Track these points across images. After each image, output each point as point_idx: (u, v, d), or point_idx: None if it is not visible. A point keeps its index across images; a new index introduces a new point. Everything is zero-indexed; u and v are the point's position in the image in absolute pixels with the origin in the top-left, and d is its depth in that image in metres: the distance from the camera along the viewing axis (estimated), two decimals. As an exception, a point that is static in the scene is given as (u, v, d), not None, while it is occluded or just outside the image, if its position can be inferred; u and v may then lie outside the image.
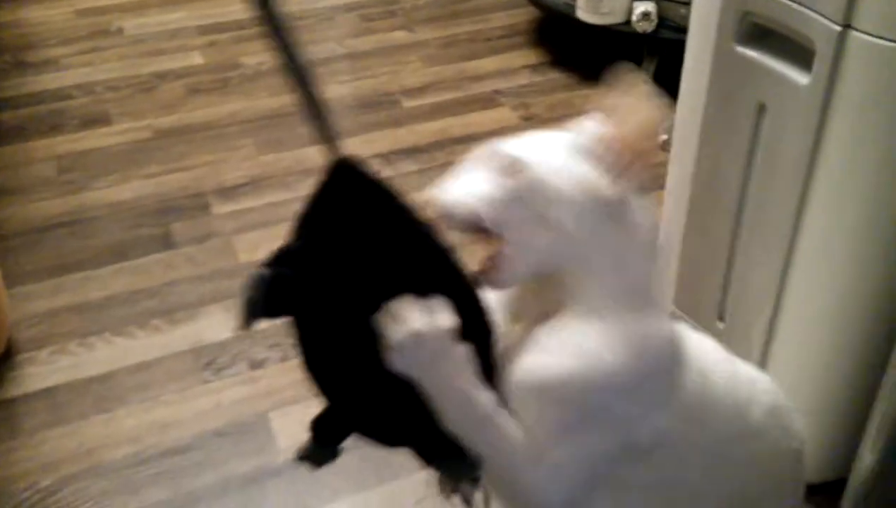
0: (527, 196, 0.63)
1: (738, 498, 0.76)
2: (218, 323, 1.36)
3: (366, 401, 0.63)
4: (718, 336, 1.08)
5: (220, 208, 1.63)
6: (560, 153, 0.64)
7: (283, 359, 1.28)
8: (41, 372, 1.27)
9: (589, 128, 0.65)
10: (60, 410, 1.21)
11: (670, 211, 1.15)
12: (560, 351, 0.64)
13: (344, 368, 0.61)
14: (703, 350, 0.73)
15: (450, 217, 0.65)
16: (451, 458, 0.64)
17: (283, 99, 1.99)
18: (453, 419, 0.62)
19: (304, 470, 1.10)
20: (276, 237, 1.79)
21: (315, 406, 1.29)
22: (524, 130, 0.68)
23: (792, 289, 0.96)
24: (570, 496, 0.67)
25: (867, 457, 0.93)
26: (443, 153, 1.77)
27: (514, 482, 0.66)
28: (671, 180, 1.15)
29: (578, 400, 0.64)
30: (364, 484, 1.10)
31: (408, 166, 1.74)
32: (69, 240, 1.55)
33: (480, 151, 0.66)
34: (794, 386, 1.00)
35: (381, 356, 0.59)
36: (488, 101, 1.94)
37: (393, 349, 0.59)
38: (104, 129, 1.86)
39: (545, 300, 0.67)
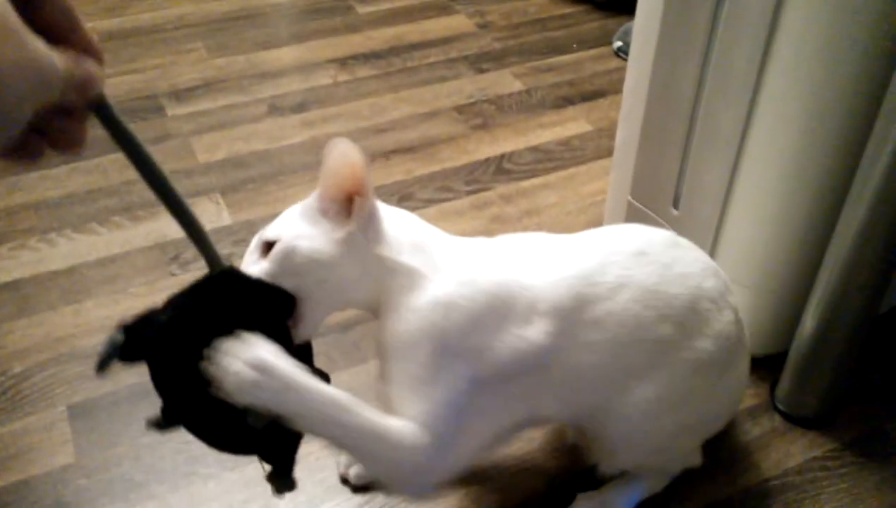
0: (284, 267, 0.74)
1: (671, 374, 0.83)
2: (180, 221, 1.36)
3: (212, 425, 0.71)
4: (674, 222, 1.15)
5: (175, 110, 1.62)
6: (296, 221, 0.77)
7: (249, 254, 1.30)
8: (3, 266, 1.26)
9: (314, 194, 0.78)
10: (26, 302, 1.21)
11: (628, 110, 1.20)
12: (399, 322, 0.76)
13: (189, 401, 0.70)
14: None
15: None
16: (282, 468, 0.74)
17: (232, 3, 1.96)
18: (316, 428, 0.71)
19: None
20: (233, 138, 1.81)
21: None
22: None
23: (741, 179, 1.02)
24: (451, 439, 0.76)
25: (808, 323, 1.01)
26: (399, 59, 1.78)
27: (399, 462, 0.75)
28: (629, 81, 1.19)
29: (422, 351, 0.75)
30: (337, 365, 1.14)
31: (366, 71, 1.74)
32: (20, 139, 1.52)
33: (253, 241, 0.78)
34: (743, 265, 1.07)
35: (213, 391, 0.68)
36: (444, 9, 1.94)
37: (220, 381, 0.67)
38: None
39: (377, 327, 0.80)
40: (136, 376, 1.12)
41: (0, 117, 0.42)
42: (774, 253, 1.06)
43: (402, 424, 0.74)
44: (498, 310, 0.77)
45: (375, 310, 0.80)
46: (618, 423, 0.84)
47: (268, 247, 0.75)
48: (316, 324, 0.78)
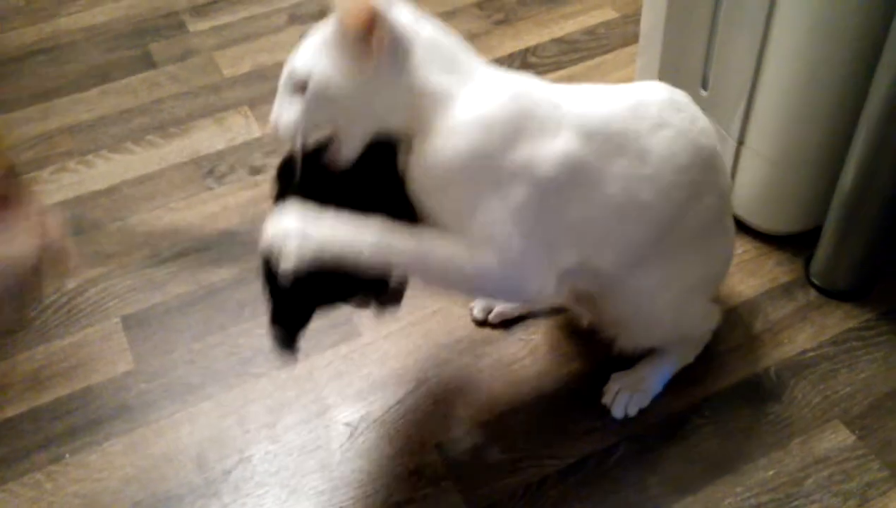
0: (320, 104, 0.75)
1: (665, 199, 0.83)
2: (211, 135, 1.38)
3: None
4: (703, 103, 1.13)
5: (197, 26, 1.61)
6: (323, 56, 0.74)
7: (281, 164, 1.32)
8: (47, 189, 1.30)
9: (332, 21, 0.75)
10: (72, 222, 1.25)
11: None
12: (440, 147, 0.75)
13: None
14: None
15: (286, 142, 0.78)
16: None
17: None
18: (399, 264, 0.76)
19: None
20: (257, 50, 1.79)
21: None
22: None
23: (769, 55, 1.00)
24: (531, 258, 0.77)
25: (842, 194, 1.01)
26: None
27: (484, 279, 0.76)
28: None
29: (470, 171, 0.74)
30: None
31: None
32: (49, 65, 1.54)
33: (282, 77, 0.78)
34: (774, 142, 1.07)
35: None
36: None
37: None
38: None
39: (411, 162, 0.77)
40: (184, 285, 1.17)
41: None
42: (805, 127, 1.04)
43: (465, 240, 0.75)
44: (532, 124, 0.75)
45: (411, 137, 0.77)
46: (630, 296, 0.87)
47: (300, 85, 0.75)
48: (356, 148, 0.77)
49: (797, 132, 1.05)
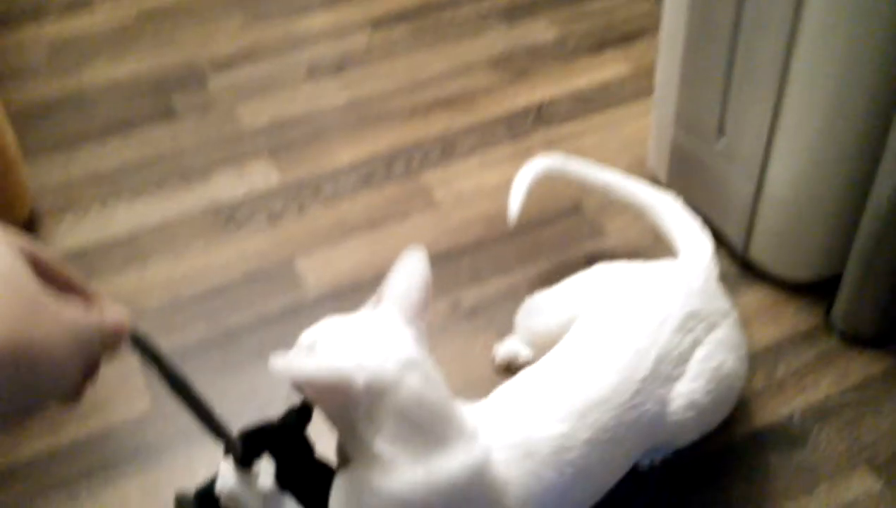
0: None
1: None
2: (231, 184, 1.40)
3: None
4: (719, 155, 1.15)
5: (218, 80, 1.65)
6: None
7: (301, 210, 1.33)
8: (68, 235, 1.31)
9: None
10: (92, 267, 1.26)
11: (667, 45, 1.20)
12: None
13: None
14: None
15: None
16: None
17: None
18: None
19: (335, 304, 1.17)
20: (277, 101, 1.83)
21: (337, 249, 1.35)
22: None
23: (786, 105, 1.02)
24: None
25: (862, 240, 1.01)
26: (431, 16, 1.78)
27: None
28: (667, 15, 1.19)
29: None
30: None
31: (399, 30, 1.75)
32: (73, 116, 1.56)
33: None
34: (792, 191, 1.07)
35: None
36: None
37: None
38: (87, 14, 1.85)
39: (347, 446, 0.75)
40: (203, 328, 1.16)
41: (53, 386, 0.44)
42: (824, 176, 1.05)
43: None
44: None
45: (351, 442, 0.74)
46: None
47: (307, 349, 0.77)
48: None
49: (816, 177, 1.06)
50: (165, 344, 1.12)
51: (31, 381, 0.41)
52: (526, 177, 1.09)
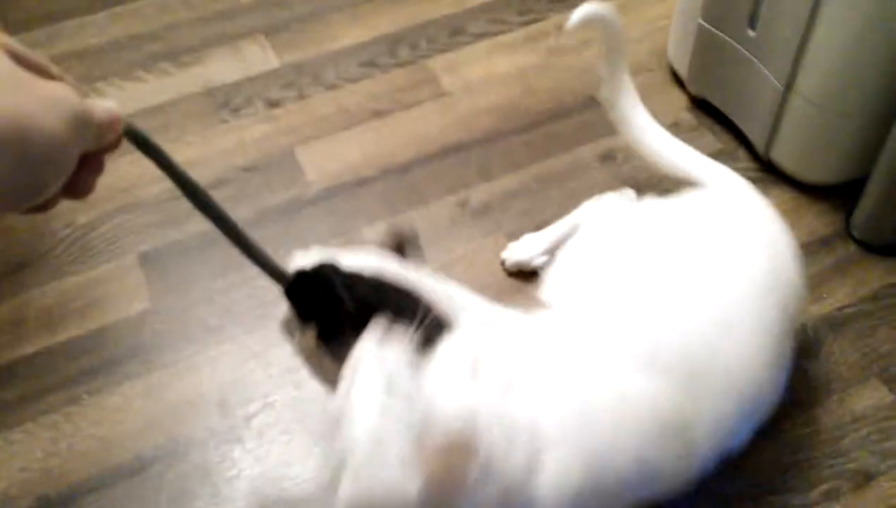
0: None
1: None
2: (226, 65, 1.32)
3: None
4: (750, 44, 1.08)
5: (209, -52, 1.53)
6: None
7: (300, 98, 1.27)
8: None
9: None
10: (83, 154, 1.20)
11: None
12: None
13: None
14: None
15: None
16: None
17: None
18: None
19: (338, 200, 1.13)
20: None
21: (339, 140, 1.29)
22: None
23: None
24: None
25: (891, 147, 0.96)
26: None
27: None
28: None
29: None
30: (397, 209, 1.13)
31: None
32: (54, -13, 1.47)
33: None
34: (825, 88, 1.01)
35: None
36: None
37: None
38: None
39: None
40: (203, 222, 1.12)
41: (52, 162, 0.42)
42: (860, 76, 0.99)
43: None
44: None
45: None
46: None
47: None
48: None
49: (851, 77, 0.99)
50: (164, 238, 1.10)
51: (27, 152, 0.41)
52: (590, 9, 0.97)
